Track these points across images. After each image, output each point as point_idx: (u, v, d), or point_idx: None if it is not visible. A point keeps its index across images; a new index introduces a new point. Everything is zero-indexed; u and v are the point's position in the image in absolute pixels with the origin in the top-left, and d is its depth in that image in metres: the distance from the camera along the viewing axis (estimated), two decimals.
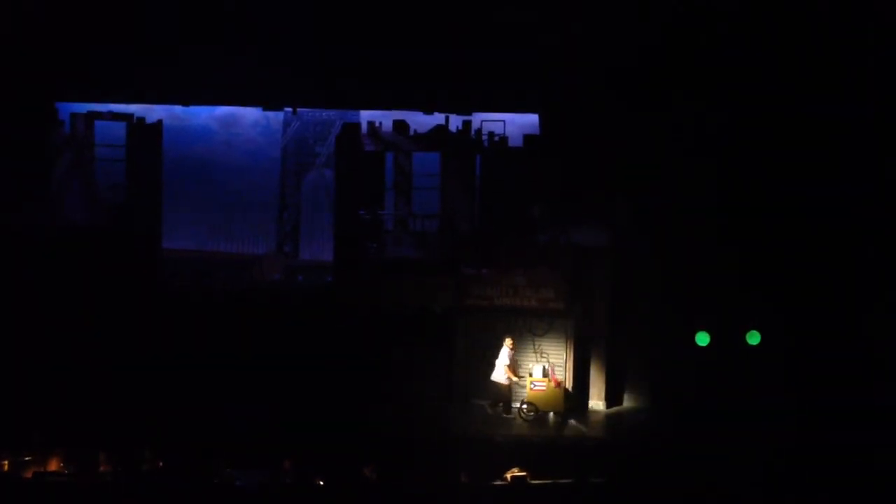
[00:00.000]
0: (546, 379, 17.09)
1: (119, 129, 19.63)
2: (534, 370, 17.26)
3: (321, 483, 13.58)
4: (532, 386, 17.02)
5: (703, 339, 16.18)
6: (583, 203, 17.93)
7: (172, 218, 19.83)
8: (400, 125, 19.71)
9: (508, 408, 17.10)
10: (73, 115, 19.60)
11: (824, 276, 15.45)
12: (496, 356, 17.26)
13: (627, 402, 17.82)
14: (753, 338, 15.98)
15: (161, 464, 13.98)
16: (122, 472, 13.66)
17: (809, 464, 13.63)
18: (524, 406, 16.95)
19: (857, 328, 15.21)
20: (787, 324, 15.84)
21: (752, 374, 16.10)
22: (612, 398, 17.72)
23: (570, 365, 17.52)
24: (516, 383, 17.19)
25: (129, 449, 14.18)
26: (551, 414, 16.99)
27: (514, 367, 17.11)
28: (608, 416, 17.40)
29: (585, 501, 12.98)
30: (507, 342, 17.11)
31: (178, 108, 19.72)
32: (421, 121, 19.67)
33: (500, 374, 17.04)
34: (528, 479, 13.52)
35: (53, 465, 13.95)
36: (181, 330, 17.62)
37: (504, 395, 17.10)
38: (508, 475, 13.59)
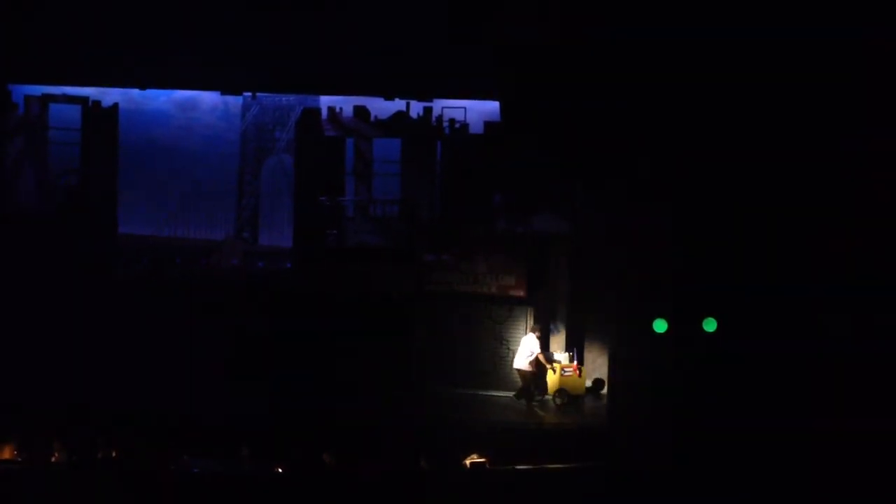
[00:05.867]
0: (573, 365, 17.18)
1: (74, 112, 19.32)
2: (562, 358, 17.27)
3: (279, 470, 13.53)
4: (563, 373, 17.06)
5: (660, 326, 16.29)
6: (542, 190, 18.00)
7: (129, 203, 19.56)
8: (360, 111, 19.62)
9: (531, 396, 16.92)
10: (27, 98, 19.26)
11: (783, 263, 15.59)
12: (457, 343, 17.35)
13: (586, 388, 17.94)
14: (710, 325, 16.10)
15: (116, 451, 13.83)
16: (76, 459, 13.51)
17: (766, 451, 13.79)
18: (556, 393, 16.94)
19: (814, 317, 15.37)
20: (744, 312, 15.98)
21: (709, 361, 16.25)
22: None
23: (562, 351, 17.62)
24: (547, 368, 17.06)
25: (83, 436, 14.01)
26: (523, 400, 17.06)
27: (542, 354, 16.95)
28: (566, 402, 17.49)
29: (544, 487, 13.05)
30: (535, 332, 17.01)
31: (134, 92, 19.43)
32: (381, 107, 19.60)
33: (521, 361, 16.89)
34: (487, 465, 13.57)
35: (6, 453, 13.76)
36: (138, 316, 17.44)
37: (528, 382, 16.91)
38: (467, 461, 13.63)
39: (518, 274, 17.60)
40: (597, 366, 18.04)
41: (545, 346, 17.79)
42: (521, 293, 17.64)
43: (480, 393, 17.37)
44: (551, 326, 18.15)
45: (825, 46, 13.97)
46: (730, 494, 12.60)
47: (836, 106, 14.20)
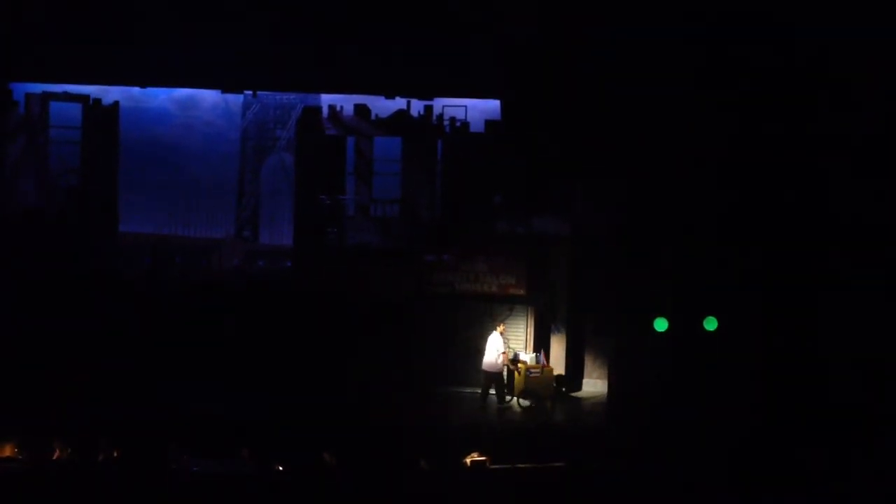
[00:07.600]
0: (539, 366, 17.09)
1: (75, 110, 19.35)
2: (527, 358, 17.17)
3: (280, 470, 13.53)
4: (528, 373, 16.97)
5: (661, 324, 16.29)
6: (543, 190, 17.99)
7: (129, 201, 19.60)
8: (361, 109, 19.62)
9: (502, 397, 16.88)
10: (28, 96, 19.28)
11: (784, 262, 15.60)
12: (458, 342, 17.31)
13: (587, 388, 17.96)
14: (710, 323, 16.11)
15: (117, 451, 13.83)
16: (77, 459, 13.50)
17: (768, 451, 13.79)
18: (522, 394, 16.78)
19: (815, 316, 15.38)
20: (746, 310, 15.99)
21: (710, 359, 16.25)
22: (571, 384, 17.83)
23: (530, 351, 17.60)
24: (512, 369, 17.01)
25: (84, 436, 14.01)
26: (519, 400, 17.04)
27: (505, 354, 16.86)
28: (568, 401, 17.51)
29: (545, 486, 13.05)
30: (499, 328, 16.98)
31: (135, 90, 19.46)
32: (382, 105, 19.59)
33: (492, 361, 16.89)
34: (488, 464, 13.56)
35: (7, 452, 13.75)
36: (138, 315, 17.44)
37: (498, 382, 16.84)
38: (468, 460, 13.62)
39: (518, 274, 17.59)
40: (597, 365, 18.05)
41: (546, 346, 17.78)
42: (522, 293, 17.63)
43: (480, 392, 17.34)
44: (552, 326, 18.14)
45: (824, 46, 13.98)
46: (729, 494, 12.59)
47: (835, 107, 14.21)
